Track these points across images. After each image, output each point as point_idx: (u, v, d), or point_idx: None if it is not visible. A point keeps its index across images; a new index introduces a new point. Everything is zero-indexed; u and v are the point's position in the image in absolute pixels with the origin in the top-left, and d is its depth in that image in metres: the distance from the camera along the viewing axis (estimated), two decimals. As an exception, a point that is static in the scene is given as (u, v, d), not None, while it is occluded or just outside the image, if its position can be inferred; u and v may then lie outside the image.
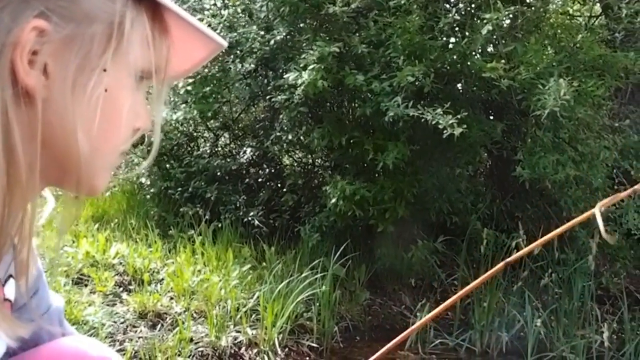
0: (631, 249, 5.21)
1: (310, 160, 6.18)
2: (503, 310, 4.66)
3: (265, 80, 5.75)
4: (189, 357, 3.74)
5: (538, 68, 4.40)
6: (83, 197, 0.71)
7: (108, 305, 4.08)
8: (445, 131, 4.03)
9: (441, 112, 4.16)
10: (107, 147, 0.66)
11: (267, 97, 5.77)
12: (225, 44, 0.72)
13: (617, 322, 4.76)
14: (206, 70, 5.36)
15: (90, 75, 0.62)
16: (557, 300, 4.70)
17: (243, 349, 3.98)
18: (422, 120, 4.25)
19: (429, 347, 4.46)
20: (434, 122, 4.11)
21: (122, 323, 3.98)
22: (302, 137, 5.82)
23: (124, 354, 3.63)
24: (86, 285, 4.25)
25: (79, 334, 0.97)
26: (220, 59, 5.42)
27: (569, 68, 4.61)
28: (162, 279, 4.55)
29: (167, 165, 6.03)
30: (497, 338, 4.55)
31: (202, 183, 5.74)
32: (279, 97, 5.20)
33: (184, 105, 5.67)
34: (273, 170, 6.22)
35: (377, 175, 4.88)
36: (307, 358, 4.11)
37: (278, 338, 4.04)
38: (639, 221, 4.54)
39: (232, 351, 3.94)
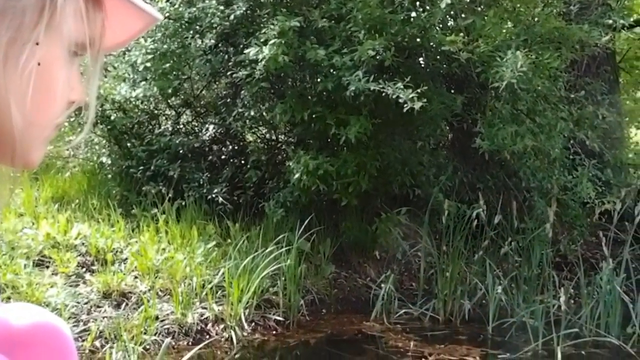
0: (587, 217, 5.36)
1: (274, 136, 6.16)
2: (465, 279, 4.77)
3: (226, 56, 5.69)
4: (155, 334, 3.74)
5: (496, 41, 4.45)
6: (19, 171, 0.70)
7: (71, 286, 4.05)
8: (405, 105, 4.06)
9: (402, 86, 4.18)
10: (42, 120, 0.66)
11: (229, 73, 5.72)
12: (160, 17, 0.72)
13: (574, 287, 4.92)
14: (165, 46, 5.28)
15: (22, 49, 0.61)
16: (517, 268, 4.83)
17: (209, 324, 4.00)
18: (383, 94, 4.28)
19: (394, 317, 4.55)
20: (394, 96, 4.14)
21: (85, 303, 3.96)
22: (264, 113, 5.80)
23: (89, 334, 3.62)
24: (48, 267, 4.20)
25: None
26: (179, 34, 5.34)
27: (526, 41, 4.67)
28: (126, 259, 4.52)
29: (128, 144, 5.95)
30: (459, 306, 4.67)
31: (165, 161, 5.68)
32: (240, 72, 5.15)
33: (143, 82, 5.58)
34: (236, 147, 6.19)
35: (340, 149, 4.90)
36: (274, 332, 4.16)
37: (244, 313, 4.07)
38: (592, 190, 4.66)
39: (199, 327, 3.96)
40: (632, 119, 8.68)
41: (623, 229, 5.11)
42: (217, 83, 6.44)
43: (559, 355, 3.87)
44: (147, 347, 3.64)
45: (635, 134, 9.26)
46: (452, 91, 5.47)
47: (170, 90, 5.68)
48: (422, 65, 5.19)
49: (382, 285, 4.66)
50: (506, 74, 4.16)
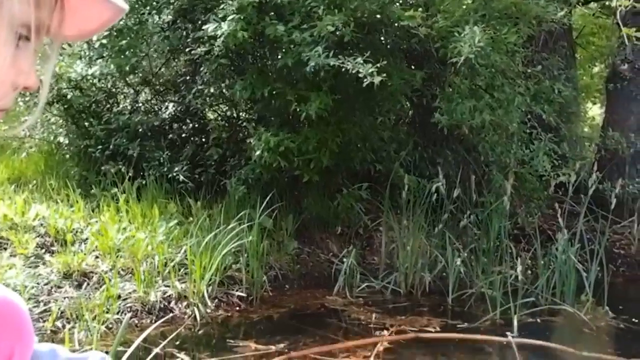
0: (544, 190, 5.48)
1: (234, 114, 6.12)
2: (426, 253, 4.85)
3: (185, 33, 5.61)
4: (117, 313, 3.72)
5: (455, 16, 4.48)
6: None
7: (30, 267, 3.99)
8: (365, 80, 4.08)
9: (361, 61, 4.19)
10: None
11: (187, 50, 5.65)
12: (126, 7, 0.71)
13: (531, 258, 5.05)
14: (121, 22, 5.17)
15: None
16: (476, 241, 4.93)
17: (172, 302, 3.99)
18: (343, 69, 4.28)
19: (356, 291, 4.62)
20: (354, 71, 4.14)
21: (46, 284, 3.91)
22: (224, 90, 5.76)
23: (50, 315, 3.58)
24: (5, 249, 4.13)
25: None
26: (136, 10, 5.24)
27: (484, 16, 4.71)
28: (86, 239, 4.47)
29: (86, 123, 5.85)
30: (420, 279, 4.75)
31: (124, 140, 5.60)
32: (199, 49, 5.10)
33: (100, 60, 5.48)
34: (197, 125, 6.14)
35: (301, 126, 4.90)
36: (237, 308, 4.18)
37: (207, 290, 4.08)
38: (548, 163, 4.76)
39: (162, 305, 3.95)
40: (589, 94, 8.87)
41: (578, 201, 5.26)
42: (176, 60, 6.36)
43: (516, 324, 3.97)
44: (110, 326, 3.62)
45: (591, 108, 9.47)
46: (413, 67, 5.50)
47: (127, 68, 5.59)
48: (382, 41, 5.20)
49: (345, 260, 4.72)
50: (464, 49, 4.20)
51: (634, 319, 4.33)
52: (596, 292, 4.50)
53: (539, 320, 4.27)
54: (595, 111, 9.44)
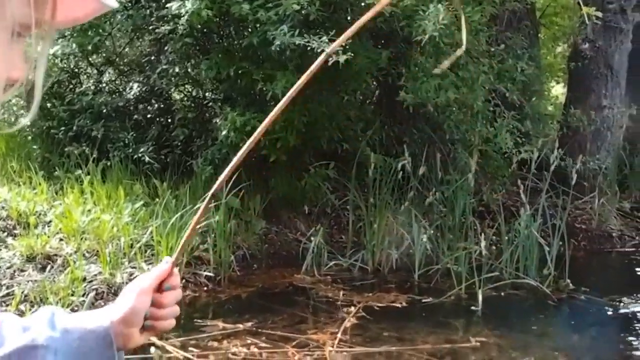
0: (508, 167, 5.56)
1: (200, 94, 6.06)
2: (392, 230, 4.90)
3: (148, 11, 5.51)
4: (82, 295, 3.70)
5: (419, -6, 4.49)
6: None
7: (-8, 250, 3.93)
8: (331, 59, 4.07)
9: (327, 40, 4.18)
10: None
11: (151, 28, 5.56)
12: (115, 4, 0.72)
13: (496, 234, 5.15)
14: (82, 0, 5.07)
15: None
16: (442, 218, 5.00)
17: (124, 288, 3.96)
18: (309, 48, 4.27)
19: (324, 269, 4.65)
20: (319, 50, 4.13)
21: (8, 268, 3.86)
22: (190, 70, 5.70)
23: (13, 298, 3.54)
24: (-34, 232, 4.06)
25: None
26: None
27: (449, -6, 4.73)
28: (50, 221, 4.42)
29: (49, 104, 5.73)
30: (387, 256, 4.81)
31: (87, 121, 5.52)
32: (163, 28, 5.03)
33: (61, 39, 5.37)
34: (162, 105, 6.07)
35: (267, 105, 4.88)
36: (205, 288, 4.18)
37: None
38: (511, 141, 4.84)
39: (129, 287, 3.93)
40: (552, 73, 8.99)
41: (541, 177, 5.36)
42: (140, 40, 6.26)
43: (480, 298, 4.06)
44: (75, 308, 3.59)
45: (554, 87, 9.61)
46: (379, 46, 5.51)
47: (90, 47, 5.50)
48: (348, 20, 5.19)
49: (312, 238, 4.74)
50: (428, 27, 4.22)
51: (593, 291, 4.45)
52: (558, 265, 4.60)
53: (502, 294, 4.36)
54: (558, 90, 9.59)
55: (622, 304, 4.28)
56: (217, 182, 0.95)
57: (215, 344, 3.26)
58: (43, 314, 0.89)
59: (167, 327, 0.97)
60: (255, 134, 0.85)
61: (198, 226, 3.56)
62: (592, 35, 6.54)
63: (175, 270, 0.99)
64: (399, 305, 4.04)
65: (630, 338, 3.89)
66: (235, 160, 0.88)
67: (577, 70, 6.72)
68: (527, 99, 5.68)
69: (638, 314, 4.22)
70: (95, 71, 6.30)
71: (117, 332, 0.90)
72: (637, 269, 5.52)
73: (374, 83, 5.93)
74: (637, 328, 4.07)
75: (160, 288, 0.97)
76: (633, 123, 7.03)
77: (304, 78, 0.78)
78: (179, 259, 0.99)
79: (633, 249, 6.00)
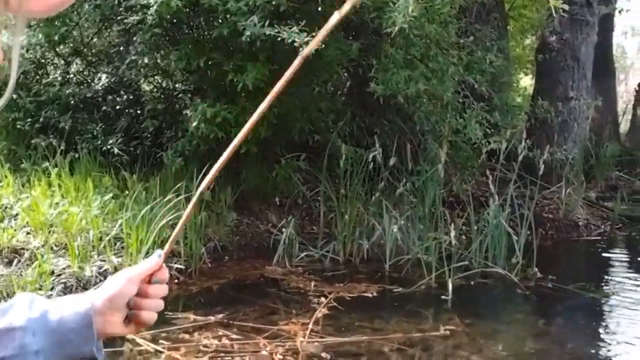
0: (477, 158, 5.62)
1: (170, 85, 6.01)
2: (363, 221, 4.93)
3: (117, 1, 5.43)
4: (51, 289, 3.65)
5: (389, -15, 4.50)
6: None
7: (-43, 244, 3.86)
8: (301, 49, 4.06)
9: (297, 31, 4.18)
10: None
11: (120, 19, 5.49)
12: None
13: (465, 224, 5.21)
14: (48, -11, 4.97)
15: None
16: (412, 208, 5.04)
17: (109, 277, 3.93)
18: (279, 39, 4.25)
19: (296, 260, 4.66)
20: (290, 40, 4.12)
21: (-26, 262, 3.79)
22: (159, 61, 5.63)
23: (-21, 292, 3.48)
24: None
25: None
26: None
27: (418, -14, 4.75)
28: (17, 214, 4.34)
29: (14, 96, 5.61)
30: (358, 246, 4.84)
31: (55, 112, 5.44)
32: (132, 18, 4.97)
33: (27, 29, 5.26)
34: (131, 97, 6.00)
35: (238, 96, 4.86)
36: (176, 280, 4.15)
37: (145, 263, 4.03)
38: (480, 132, 4.89)
39: (98, 280, 3.88)
40: (521, 64, 9.11)
41: (509, 168, 5.43)
42: (108, 30, 6.17)
43: (450, 287, 4.11)
44: (43, 302, 3.55)
45: (522, 79, 9.74)
46: (350, 38, 5.51)
47: (57, 38, 5.41)
48: (319, 11, 5.18)
49: (284, 230, 4.75)
50: (398, 19, 4.24)
51: (560, 279, 4.54)
52: (526, 254, 4.68)
53: (472, 282, 4.42)
54: (527, 81, 9.72)
55: (588, 291, 4.36)
56: (205, 181, 0.95)
57: (187, 336, 3.24)
58: (22, 298, 0.89)
59: (149, 319, 0.97)
60: (240, 134, 0.84)
61: (167, 219, 3.49)
62: (559, 27, 6.64)
63: (164, 265, 0.99)
64: (370, 295, 4.07)
65: (596, 324, 3.98)
66: (222, 158, 0.87)
67: (545, 62, 6.83)
68: (495, 91, 5.75)
69: (603, 301, 4.32)
70: (62, 62, 6.20)
71: (98, 313, 0.90)
72: (603, 257, 5.65)
73: (345, 74, 5.95)
74: (603, 314, 4.16)
75: (149, 280, 0.97)
76: (598, 114, 7.18)
77: (281, 82, 0.78)
78: (168, 254, 0.99)
79: (599, 238, 6.14)
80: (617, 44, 10.59)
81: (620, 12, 8.97)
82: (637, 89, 9.79)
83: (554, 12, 5.96)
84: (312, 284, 4.20)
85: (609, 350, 3.43)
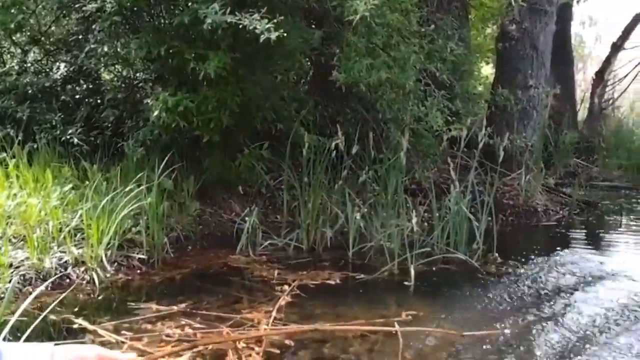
0: (439, 146, 5.70)
1: (131, 74, 5.93)
2: (327, 209, 4.96)
3: (75, -12, 5.34)
4: (9, 282, 3.59)
5: (349, -26, 4.50)
6: None
7: None
8: (262, 35, 4.05)
9: (258, 18, 4.15)
10: None
11: (78, 6, 5.39)
12: None
13: (427, 210, 5.27)
14: (3, -24, 4.86)
15: None
16: (375, 196, 5.08)
17: (69, 268, 3.89)
18: (241, 27, 4.23)
19: (259, 249, 4.67)
20: (251, 28, 4.10)
21: None
22: (119, 49, 5.55)
23: None
24: None
25: None
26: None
27: (379, -25, 4.76)
28: (-27, 207, 4.25)
29: (-31, 85, 5.51)
30: (322, 234, 4.86)
31: (12, 102, 5.33)
32: (90, 6, 4.88)
33: (-19, 17, 5.14)
34: (91, 86, 5.92)
35: (199, 85, 4.82)
36: (138, 271, 4.12)
37: (106, 254, 4.00)
38: (441, 119, 4.95)
39: (58, 272, 3.84)
40: (482, 53, 9.22)
41: (470, 155, 5.52)
42: (66, 18, 6.06)
43: (412, 273, 4.16)
44: (2, 295, 3.49)
45: (483, 67, 9.87)
46: (312, 26, 5.51)
47: (13, 26, 5.29)
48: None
49: (247, 219, 4.75)
50: (360, 7, 4.25)
51: (520, 263, 4.64)
52: (486, 240, 4.76)
53: (434, 268, 4.48)
54: (488, 70, 9.85)
55: (546, 275, 4.47)
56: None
57: (149, 326, 3.22)
58: None
59: None
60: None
61: (129, 209, 3.43)
62: (518, 17, 6.74)
63: None
64: (333, 283, 4.10)
65: (555, 307, 4.07)
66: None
67: (505, 51, 6.93)
68: (456, 79, 5.82)
69: (561, 284, 4.42)
70: (19, 50, 6.08)
71: None
72: (561, 241, 5.78)
73: (308, 63, 5.94)
74: (561, 298, 4.26)
75: None
76: (557, 102, 7.32)
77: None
78: None
79: (557, 223, 6.29)
80: (575, 34, 10.80)
81: (578, 2, 9.16)
82: (594, 77, 10.00)
83: (513, 1, 6.07)
84: (276, 272, 4.21)
85: (565, 332, 3.52)
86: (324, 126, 5.48)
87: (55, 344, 0.97)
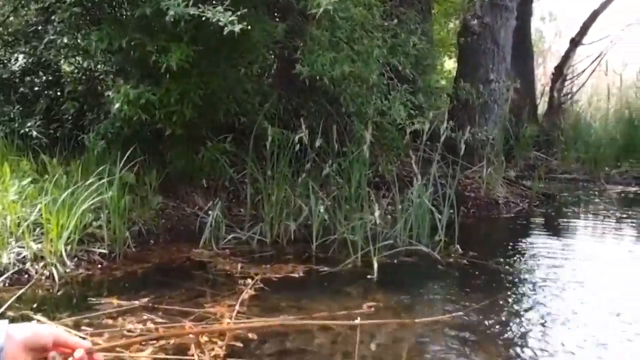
0: (403, 139, 5.75)
1: (92, 66, 5.83)
2: (290, 202, 4.97)
3: (33, -22, 5.23)
4: (-34, 278, 3.52)
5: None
6: None
7: None
8: (226, 28, 4.03)
9: (222, 10, 4.13)
10: None
11: (36, -4, 5.29)
12: None
13: (391, 203, 5.33)
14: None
15: None
16: (339, 189, 5.11)
17: (28, 263, 3.82)
18: (204, 19, 4.20)
19: (223, 243, 4.66)
20: (214, 20, 4.08)
21: None
22: (80, 41, 5.46)
23: None
24: None
25: None
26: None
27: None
28: None
29: None
30: (285, 228, 4.87)
31: (-33, 94, 5.20)
32: (49, -4, 4.79)
33: None
34: (51, 78, 5.81)
35: (162, 78, 4.78)
36: (99, 265, 4.08)
37: (66, 249, 3.94)
38: (404, 113, 5.00)
39: (17, 267, 3.78)
40: (445, 48, 9.33)
41: (433, 148, 5.58)
42: (25, 8, 5.94)
43: (375, 265, 4.21)
44: (-43, 291, 3.42)
45: (446, 61, 9.98)
46: (276, 19, 5.50)
47: (-33, 16, 5.16)
48: (245, -8, 5.14)
49: (210, 212, 4.73)
50: (323, 1, 4.27)
51: (480, 254, 4.72)
52: (448, 232, 4.83)
53: (396, 261, 4.54)
54: (451, 64, 9.96)
55: (506, 265, 4.56)
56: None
57: (110, 321, 3.19)
58: None
59: None
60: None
61: (89, 203, 3.39)
62: (480, 12, 6.83)
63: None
64: (296, 276, 4.12)
65: (513, 296, 4.16)
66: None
67: (466, 46, 7.02)
68: (419, 73, 5.88)
69: (521, 274, 4.52)
70: (-25, 41, 5.92)
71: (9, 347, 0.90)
72: (521, 233, 5.90)
73: (272, 56, 5.93)
74: (519, 287, 4.35)
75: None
76: (517, 96, 7.45)
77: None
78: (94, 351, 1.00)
79: (517, 215, 6.41)
80: (535, 29, 10.99)
81: (538, -3, 9.31)
82: (554, 72, 10.20)
83: (474, -4, 6.15)
84: (239, 266, 4.20)
85: (523, 321, 3.61)
86: (287, 119, 5.49)
87: (10, 322, 0.97)
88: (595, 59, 10.20)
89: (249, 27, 4.10)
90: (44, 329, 0.98)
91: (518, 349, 3.11)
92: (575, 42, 10.00)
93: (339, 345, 3.06)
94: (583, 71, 10.26)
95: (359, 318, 3.19)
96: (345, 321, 3.29)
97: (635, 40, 10.54)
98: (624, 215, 6.70)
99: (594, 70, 10.24)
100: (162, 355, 2.81)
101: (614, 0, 9.84)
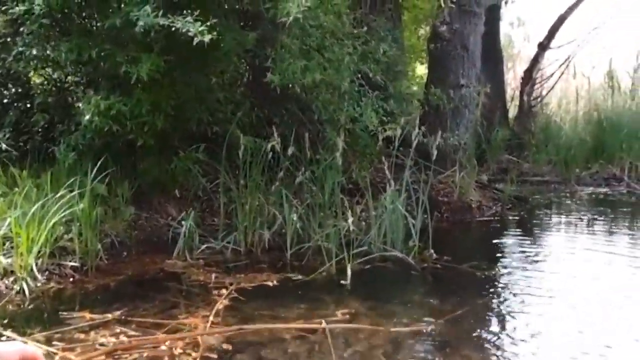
0: (375, 145, 5.78)
1: (62, 77, 5.78)
2: (264, 211, 4.97)
3: (0, -11, 5.17)
4: None
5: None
6: None
7: None
8: (196, 38, 4.03)
9: (191, 20, 4.13)
10: None
11: (5, 8, 5.22)
12: None
13: (364, 210, 5.35)
14: None
15: None
16: (312, 196, 5.12)
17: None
18: (174, 29, 4.20)
19: (196, 253, 4.64)
20: (184, 30, 4.08)
21: None
22: (49, 52, 5.41)
23: None
24: None
25: None
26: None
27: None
28: None
29: None
30: (260, 236, 4.87)
31: None
32: (18, 8, 4.73)
33: None
34: (20, 90, 5.74)
35: (133, 88, 4.75)
36: (71, 279, 4.04)
37: (37, 263, 3.90)
38: (376, 119, 5.04)
39: (-14, 283, 3.72)
40: (415, 54, 9.41)
41: (405, 154, 5.62)
42: (-7, 20, 5.86)
43: (349, 272, 4.23)
44: None
45: (417, 67, 10.07)
46: (246, 28, 5.51)
47: None
48: (214, 1, 5.14)
49: (184, 222, 4.71)
50: (293, 9, 4.29)
51: (455, 259, 4.77)
52: (422, 237, 4.87)
53: (371, 267, 4.56)
54: (422, 70, 10.04)
55: (480, 269, 4.60)
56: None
57: (82, 335, 3.16)
58: None
59: None
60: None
61: (60, 216, 3.37)
62: (449, 18, 6.90)
63: None
64: (271, 284, 4.12)
65: (487, 299, 4.20)
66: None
67: (436, 52, 7.08)
68: (390, 79, 5.92)
69: (494, 278, 4.57)
70: (-59, 54, 5.82)
71: None
72: (495, 236, 5.97)
73: (244, 65, 5.93)
74: (493, 290, 4.41)
75: None
76: (488, 100, 7.54)
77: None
78: None
79: (491, 218, 6.49)
80: (505, 34, 11.14)
81: (506, 3, 9.46)
82: (523, 76, 10.34)
83: (443, 3, 6.22)
84: (213, 276, 4.19)
85: (499, 325, 3.65)
86: (260, 128, 5.49)
87: None
88: (564, 62, 10.36)
89: (220, 36, 4.12)
90: (11, 347, 0.97)
91: (493, 356, 3.15)
92: (543, 46, 10.15)
93: (315, 354, 3.07)
94: (552, 74, 10.41)
95: (323, 322, 3.20)
96: (312, 325, 3.30)
97: (602, 43, 10.72)
98: (595, 216, 6.82)
99: (562, 74, 10.40)
100: (135, 369, 2.80)
101: (580, 5, 10.02)
